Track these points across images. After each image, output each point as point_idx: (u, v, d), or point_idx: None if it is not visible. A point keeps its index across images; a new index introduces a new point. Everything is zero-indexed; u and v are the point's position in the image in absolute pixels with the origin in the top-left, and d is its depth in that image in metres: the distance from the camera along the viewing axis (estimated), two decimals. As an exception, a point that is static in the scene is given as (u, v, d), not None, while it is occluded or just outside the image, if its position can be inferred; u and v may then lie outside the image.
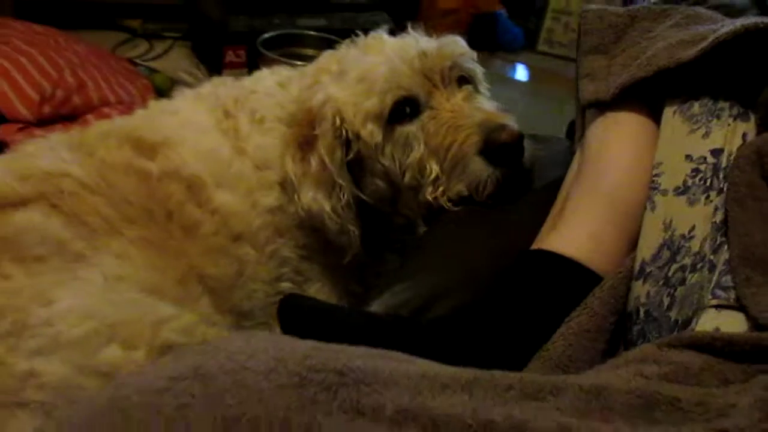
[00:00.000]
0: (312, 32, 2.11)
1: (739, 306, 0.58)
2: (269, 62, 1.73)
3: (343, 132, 0.92)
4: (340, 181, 0.92)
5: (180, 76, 2.11)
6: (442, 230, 0.87)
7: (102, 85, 1.84)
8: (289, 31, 2.09)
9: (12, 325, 0.72)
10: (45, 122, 1.69)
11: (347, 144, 0.93)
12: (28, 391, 0.69)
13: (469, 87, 0.95)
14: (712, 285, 0.62)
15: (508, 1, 3.37)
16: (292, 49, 2.04)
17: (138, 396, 0.38)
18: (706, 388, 0.50)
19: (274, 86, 1.05)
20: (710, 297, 0.61)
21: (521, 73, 3.04)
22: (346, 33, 1.09)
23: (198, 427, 0.36)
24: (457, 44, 0.96)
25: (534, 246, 0.77)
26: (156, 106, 1.08)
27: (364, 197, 0.95)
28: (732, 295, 0.60)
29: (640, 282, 0.69)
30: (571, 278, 0.70)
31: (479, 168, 0.86)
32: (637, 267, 0.70)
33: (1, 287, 0.76)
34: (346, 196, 0.92)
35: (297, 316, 0.71)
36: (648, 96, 0.77)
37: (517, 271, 0.72)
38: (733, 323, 0.57)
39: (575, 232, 0.73)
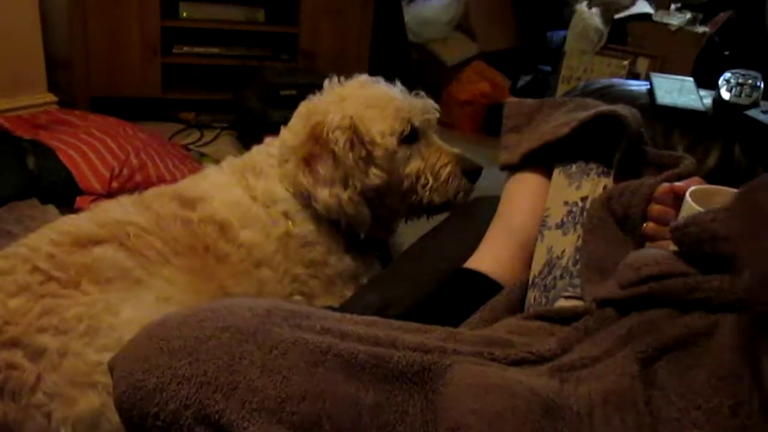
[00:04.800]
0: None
1: (581, 297, 0.86)
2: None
3: (355, 136, 1.23)
4: (353, 172, 1.23)
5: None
6: (404, 257, 1.17)
7: (159, 166, 2.23)
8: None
9: (88, 328, 1.00)
10: (112, 195, 2.06)
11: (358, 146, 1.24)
12: (96, 375, 0.96)
13: None
14: (567, 284, 0.89)
15: (519, 93, 3.73)
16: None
17: (178, 317, 0.68)
18: (536, 338, 0.77)
19: (265, 147, 1.39)
20: (564, 292, 0.88)
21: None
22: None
23: (206, 331, 0.66)
24: None
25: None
26: (193, 177, 1.44)
27: (368, 185, 1.25)
28: (578, 290, 0.87)
29: (531, 290, 0.97)
30: (478, 286, 0.98)
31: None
32: (530, 280, 0.98)
33: (82, 300, 1.04)
34: (358, 184, 1.24)
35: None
36: (544, 161, 1.07)
37: (446, 282, 1.01)
38: (574, 306, 0.84)
39: (485, 255, 1.02)
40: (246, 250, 1.22)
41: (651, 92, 1.22)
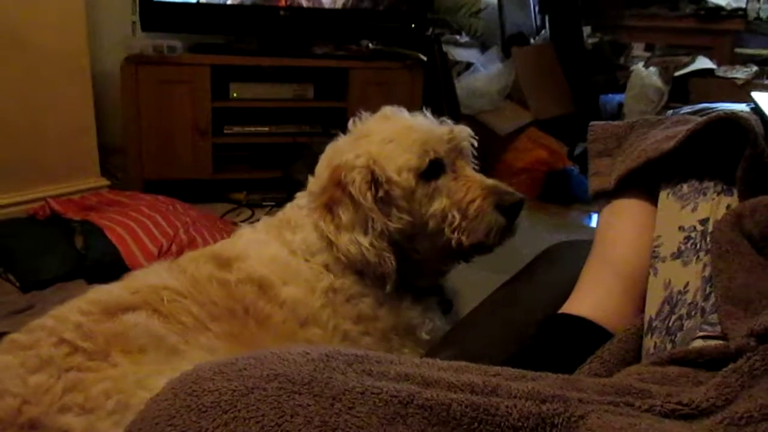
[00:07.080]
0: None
1: (723, 336, 0.67)
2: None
3: (372, 176, 1.10)
4: (372, 215, 1.09)
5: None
6: (478, 310, 0.99)
7: (209, 241, 2.13)
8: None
9: (117, 404, 0.88)
10: (160, 272, 1.97)
11: (376, 186, 1.11)
12: None
13: None
14: (701, 322, 0.70)
15: (577, 160, 3.58)
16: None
17: (212, 366, 0.53)
18: (679, 386, 0.58)
19: (296, 200, 1.26)
20: (698, 331, 0.69)
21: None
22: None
23: (247, 381, 0.50)
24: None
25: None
26: (228, 238, 1.30)
27: (391, 228, 1.11)
28: (717, 328, 0.68)
29: (648, 336, 0.78)
30: (582, 333, 0.79)
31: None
32: (645, 324, 0.79)
33: (110, 373, 0.92)
34: (379, 227, 1.09)
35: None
36: (646, 183, 0.90)
37: (541, 331, 0.83)
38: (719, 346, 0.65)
39: (585, 296, 0.84)
40: (289, 308, 1.09)
41: (758, 110, 1.05)
